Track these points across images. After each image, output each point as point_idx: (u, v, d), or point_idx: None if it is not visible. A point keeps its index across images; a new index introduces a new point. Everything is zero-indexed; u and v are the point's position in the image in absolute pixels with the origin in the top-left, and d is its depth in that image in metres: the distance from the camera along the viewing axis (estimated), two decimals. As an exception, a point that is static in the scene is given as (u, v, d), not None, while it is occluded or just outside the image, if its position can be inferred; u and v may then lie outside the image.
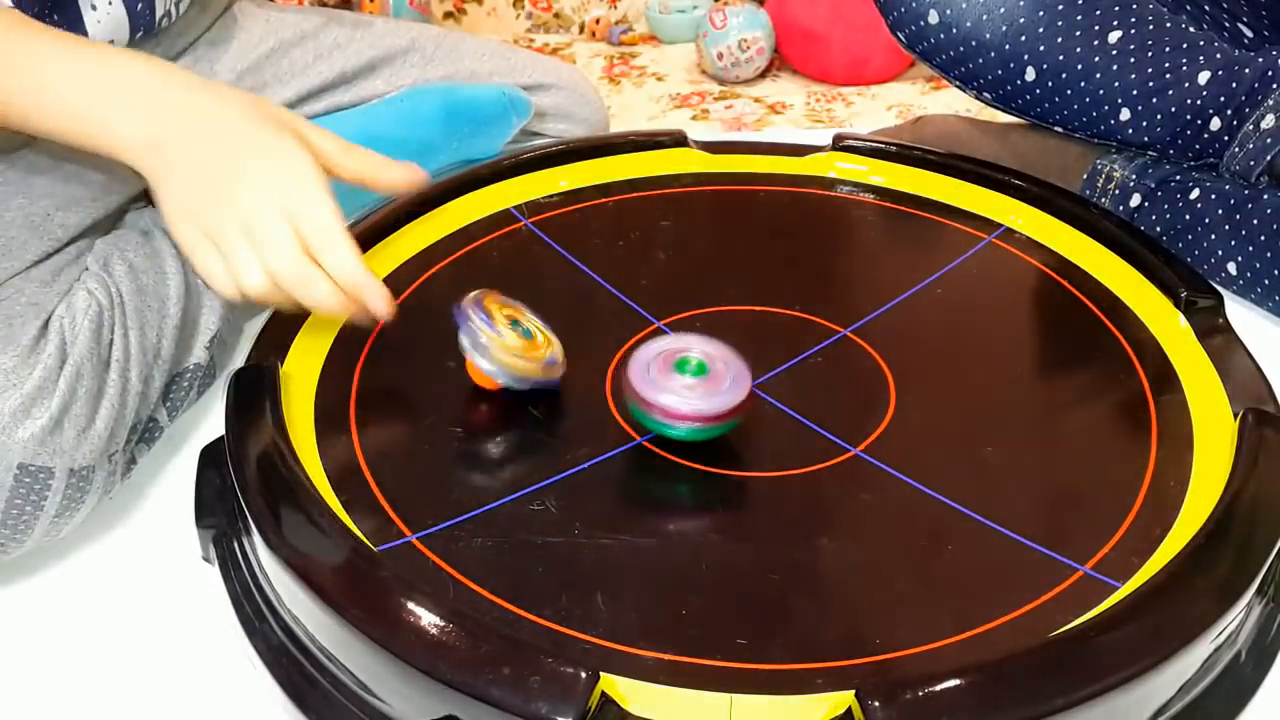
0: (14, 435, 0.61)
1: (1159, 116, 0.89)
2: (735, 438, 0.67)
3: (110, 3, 0.77)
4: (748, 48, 1.38)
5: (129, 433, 0.68)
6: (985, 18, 0.91)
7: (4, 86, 0.65)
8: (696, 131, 1.11)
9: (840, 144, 0.94)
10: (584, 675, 0.49)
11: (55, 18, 0.78)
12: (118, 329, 0.69)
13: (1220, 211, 0.87)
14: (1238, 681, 0.57)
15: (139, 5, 0.80)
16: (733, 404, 0.63)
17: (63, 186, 0.76)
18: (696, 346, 0.65)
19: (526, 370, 0.67)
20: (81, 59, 0.66)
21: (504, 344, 0.66)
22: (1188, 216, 0.88)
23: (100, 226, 0.79)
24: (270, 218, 0.63)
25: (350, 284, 0.65)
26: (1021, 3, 0.90)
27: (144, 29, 0.81)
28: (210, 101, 0.66)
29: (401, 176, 0.71)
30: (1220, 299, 0.76)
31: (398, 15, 1.40)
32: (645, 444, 0.66)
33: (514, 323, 0.68)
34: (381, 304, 0.66)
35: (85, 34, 0.79)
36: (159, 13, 0.82)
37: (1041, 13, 0.90)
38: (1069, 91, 0.91)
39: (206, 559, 0.66)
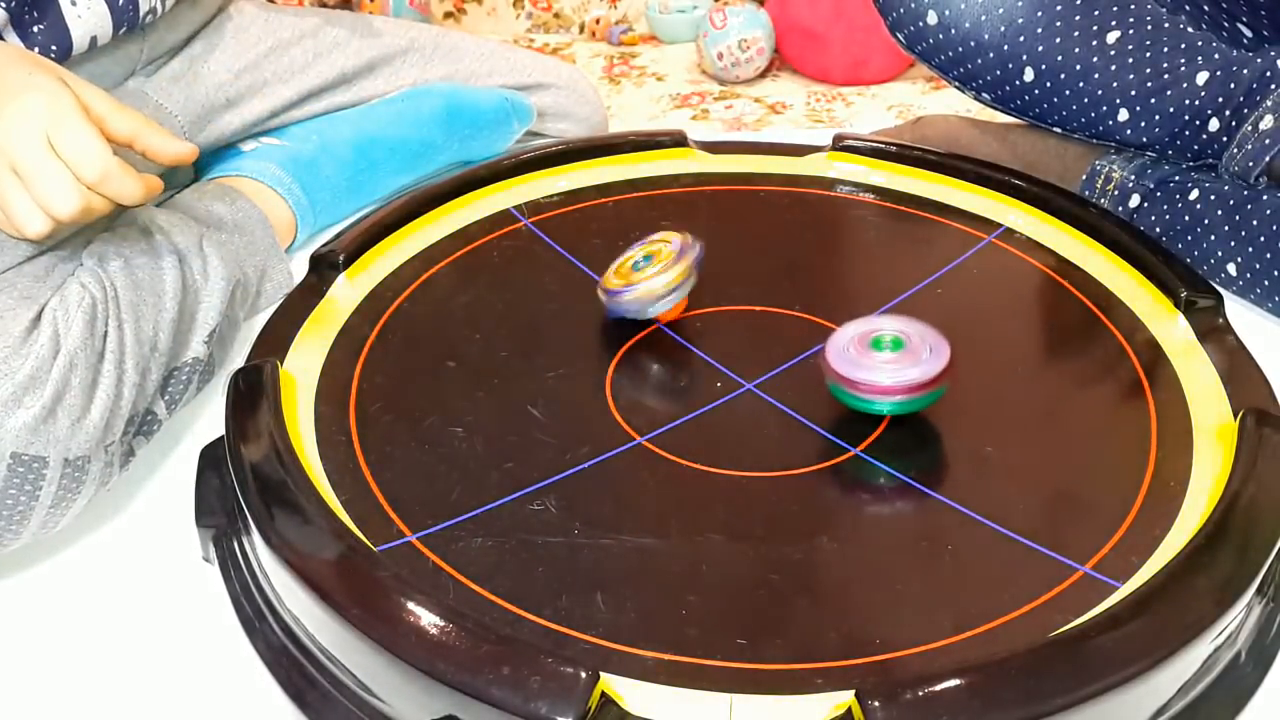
0: (6, 424, 0.61)
1: (1157, 117, 0.89)
2: (735, 438, 0.68)
3: None
4: (748, 48, 1.38)
5: (126, 425, 0.68)
6: (984, 18, 0.91)
7: None
8: (696, 131, 1.11)
9: (840, 144, 0.94)
10: (584, 675, 0.49)
11: (35, 14, 0.78)
12: (112, 321, 0.69)
13: (1220, 212, 0.87)
14: (1238, 682, 0.57)
15: (120, 0, 0.79)
16: (935, 372, 0.64)
17: None
18: (888, 325, 0.67)
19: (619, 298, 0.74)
20: None
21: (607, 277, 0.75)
22: (1187, 217, 0.88)
23: (96, 225, 0.79)
24: (34, 153, 0.63)
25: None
26: (1020, 3, 0.90)
27: (127, 24, 0.81)
28: None
29: (173, 147, 0.70)
30: (1220, 299, 0.76)
31: (397, 15, 1.40)
32: (645, 444, 0.66)
33: (646, 258, 0.74)
34: (132, 187, 0.65)
35: (66, 29, 0.79)
36: (143, 9, 0.82)
37: (1040, 13, 0.90)
38: (1067, 92, 0.91)
39: (206, 559, 0.66)
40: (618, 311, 0.74)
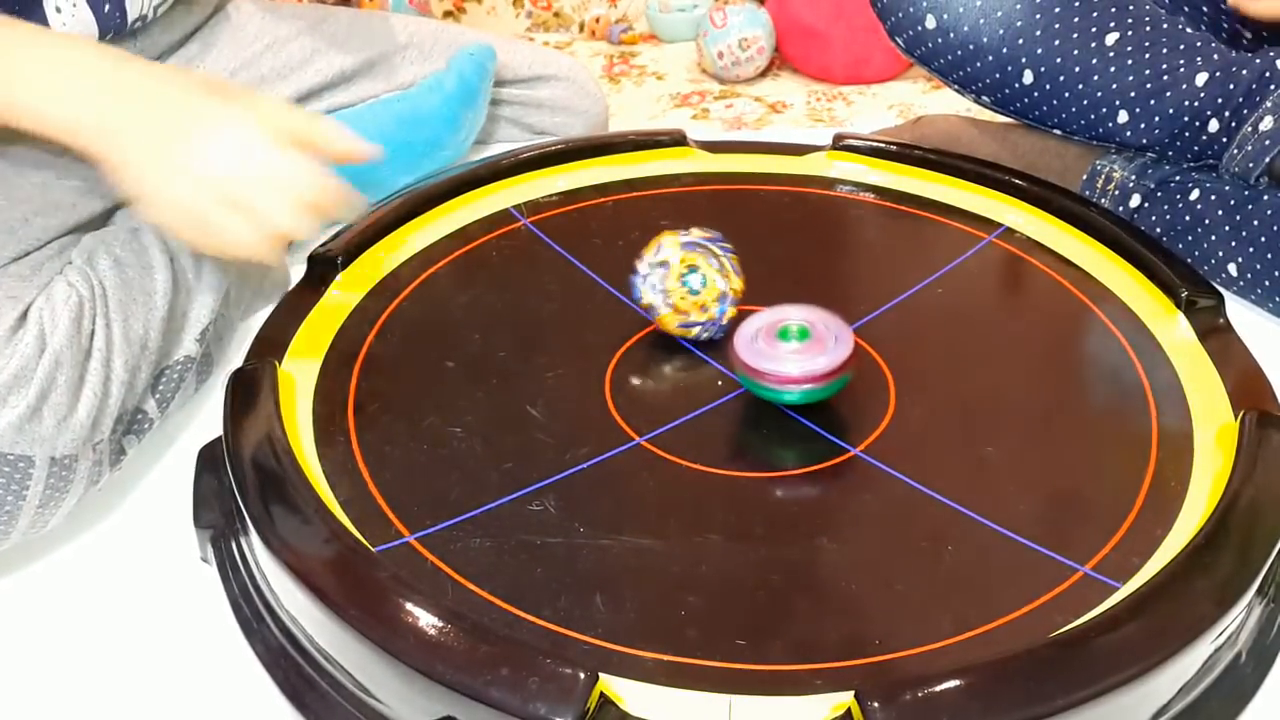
0: None
1: (1157, 118, 0.88)
2: (735, 438, 0.67)
3: (75, 5, 0.77)
4: (748, 47, 1.38)
5: (115, 423, 0.68)
6: (983, 21, 0.91)
7: None
8: (696, 130, 1.11)
9: (840, 143, 0.94)
10: (583, 676, 0.49)
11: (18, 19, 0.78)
12: (99, 320, 0.69)
13: (1220, 212, 0.86)
14: (1238, 682, 0.57)
15: (106, 6, 0.79)
16: (839, 361, 0.65)
17: (42, 193, 0.76)
18: (794, 315, 0.67)
19: (694, 332, 0.73)
20: (34, 52, 0.66)
21: (664, 318, 0.72)
22: (1188, 217, 0.88)
23: (86, 228, 0.79)
24: (248, 183, 0.64)
25: (317, 197, 0.67)
26: (1019, 6, 0.90)
27: (114, 31, 0.81)
28: (155, 82, 0.67)
29: (356, 147, 0.71)
30: (1221, 299, 0.76)
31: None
32: (645, 444, 0.66)
33: (691, 270, 0.71)
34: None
35: None
36: (131, 15, 0.82)
37: (1039, 16, 0.90)
38: (1067, 94, 0.91)
39: (205, 560, 0.66)
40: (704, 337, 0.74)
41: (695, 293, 0.72)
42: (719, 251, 0.73)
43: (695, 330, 0.73)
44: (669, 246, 0.72)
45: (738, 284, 0.73)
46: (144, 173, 0.66)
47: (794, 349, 0.65)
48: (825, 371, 0.65)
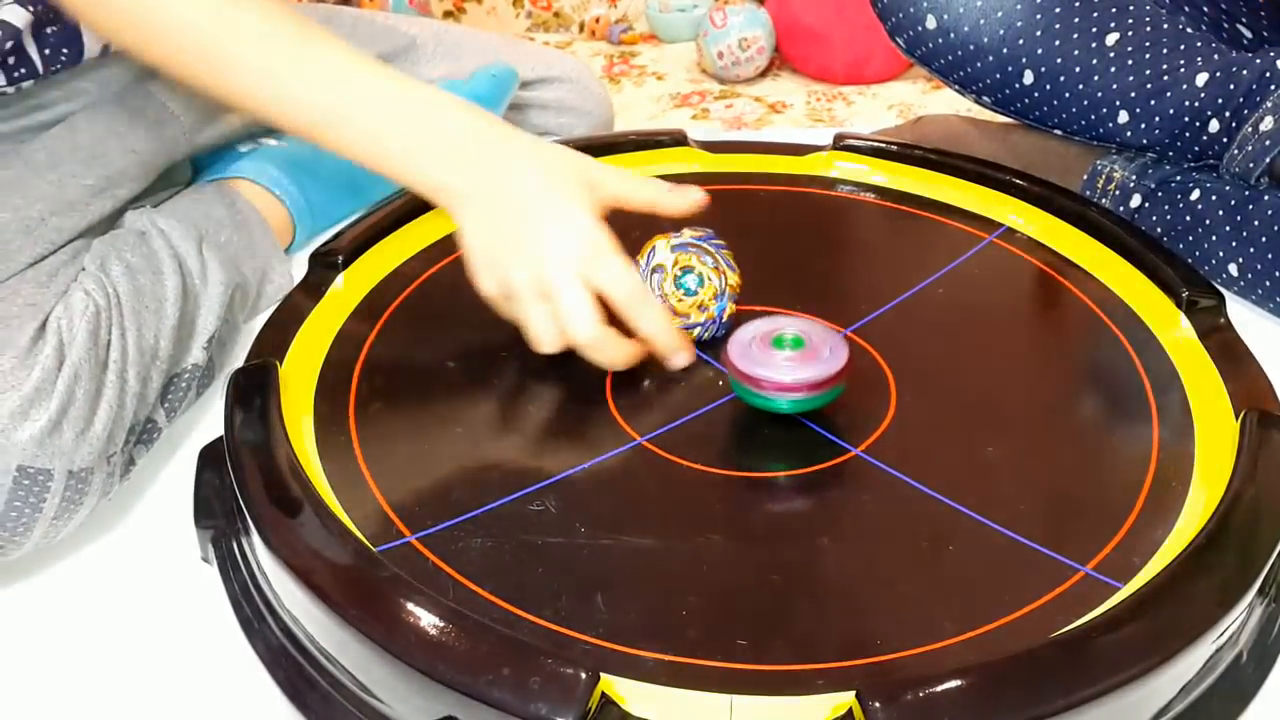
0: (13, 437, 0.61)
1: (1157, 119, 0.89)
2: (736, 438, 0.67)
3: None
4: (748, 47, 1.38)
5: (127, 434, 0.68)
6: (983, 22, 0.91)
7: (310, 100, 0.68)
8: (696, 130, 1.11)
9: (841, 143, 0.94)
10: (584, 676, 0.49)
11: (53, 20, 0.78)
12: (115, 330, 0.69)
13: (1221, 213, 0.86)
14: (1239, 682, 0.57)
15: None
16: (833, 371, 0.65)
17: (57, 191, 0.76)
18: (790, 324, 0.68)
19: (696, 333, 0.73)
20: (402, 100, 0.68)
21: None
22: (1188, 218, 0.88)
23: (96, 229, 0.79)
24: (565, 283, 0.66)
25: (663, 343, 0.69)
26: (1019, 6, 0.90)
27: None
28: (517, 160, 0.68)
29: (684, 201, 0.72)
30: (1222, 299, 0.76)
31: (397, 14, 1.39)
32: (645, 444, 0.66)
33: (685, 271, 0.71)
34: (684, 353, 0.70)
35: (80, 36, 0.79)
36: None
37: (1039, 16, 0.90)
38: (1067, 94, 0.91)
39: (205, 559, 0.66)
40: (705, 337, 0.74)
41: (692, 294, 0.72)
42: (712, 249, 0.73)
43: (697, 331, 0.73)
44: (662, 250, 0.72)
45: (734, 279, 0.73)
46: (490, 251, 0.68)
47: (788, 357, 0.65)
48: (817, 381, 0.65)
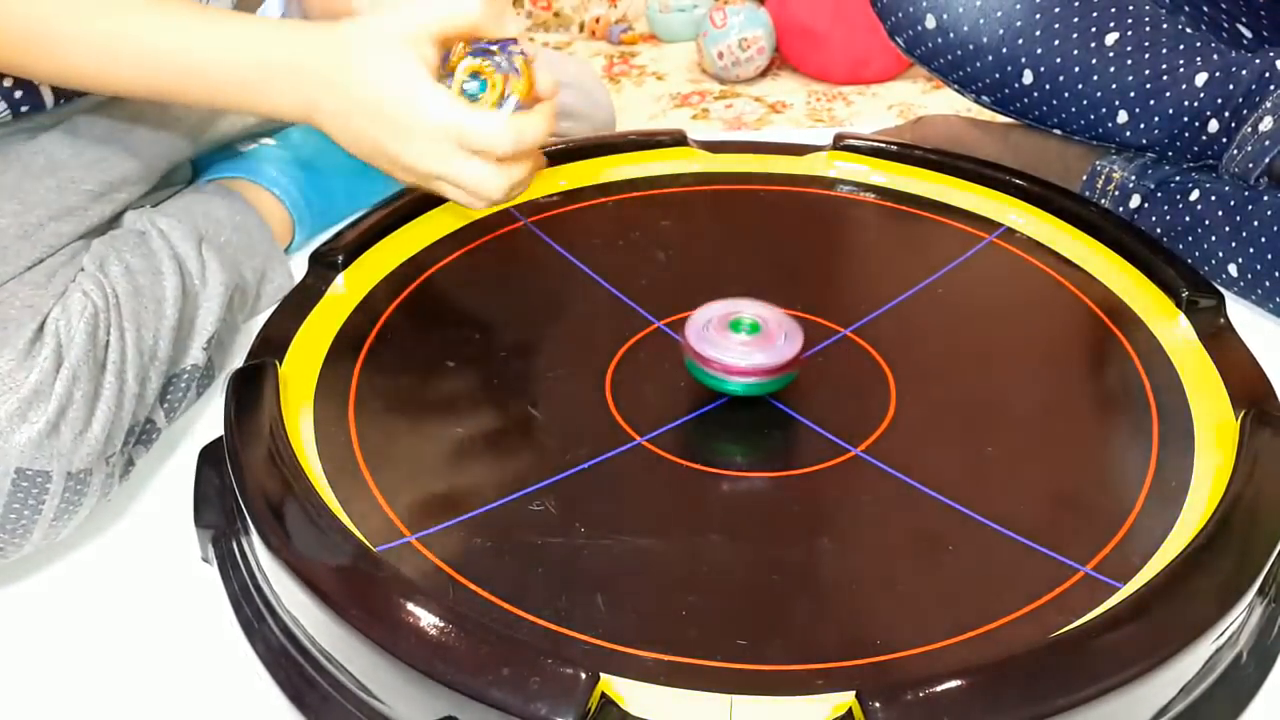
0: (11, 439, 0.61)
1: (1156, 118, 0.89)
2: (736, 438, 0.67)
3: None
4: (748, 47, 1.38)
5: (126, 435, 0.68)
6: (982, 21, 0.91)
7: (156, 65, 0.68)
8: (696, 131, 1.11)
9: (841, 143, 0.94)
10: (584, 676, 0.49)
11: None
12: (113, 331, 0.69)
13: (1220, 213, 0.86)
14: (1239, 682, 0.57)
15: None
16: (786, 358, 0.66)
17: (57, 197, 0.75)
18: (749, 309, 0.68)
19: None
20: (230, 39, 0.69)
21: None
22: (1188, 218, 0.88)
23: (96, 232, 0.79)
24: (450, 169, 0.68)
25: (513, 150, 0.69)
26: (1018, 6, 0.90)
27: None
28: (352, 80, 0.68)
29: (499, 7, 0.72)
30: (1221, 299, 0.76)
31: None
32: (645, 444, 0.66)
33: (473, 76, 0.71)
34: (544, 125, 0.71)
35: None
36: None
37: (1038, 16, 0.90)
38: (1066, 94, 0.91)
39: (206, 560, 0.66)
40: None
41: (474, 98, 0.71)
42: (505, 54, 0.72)
43: None
44: (456, 53, 0.72)
45: (520, 85, 0.72)
46: (362, 155, 0.70)
47: (743, 341, 0.66)
48: (769, 367, 0.66)
